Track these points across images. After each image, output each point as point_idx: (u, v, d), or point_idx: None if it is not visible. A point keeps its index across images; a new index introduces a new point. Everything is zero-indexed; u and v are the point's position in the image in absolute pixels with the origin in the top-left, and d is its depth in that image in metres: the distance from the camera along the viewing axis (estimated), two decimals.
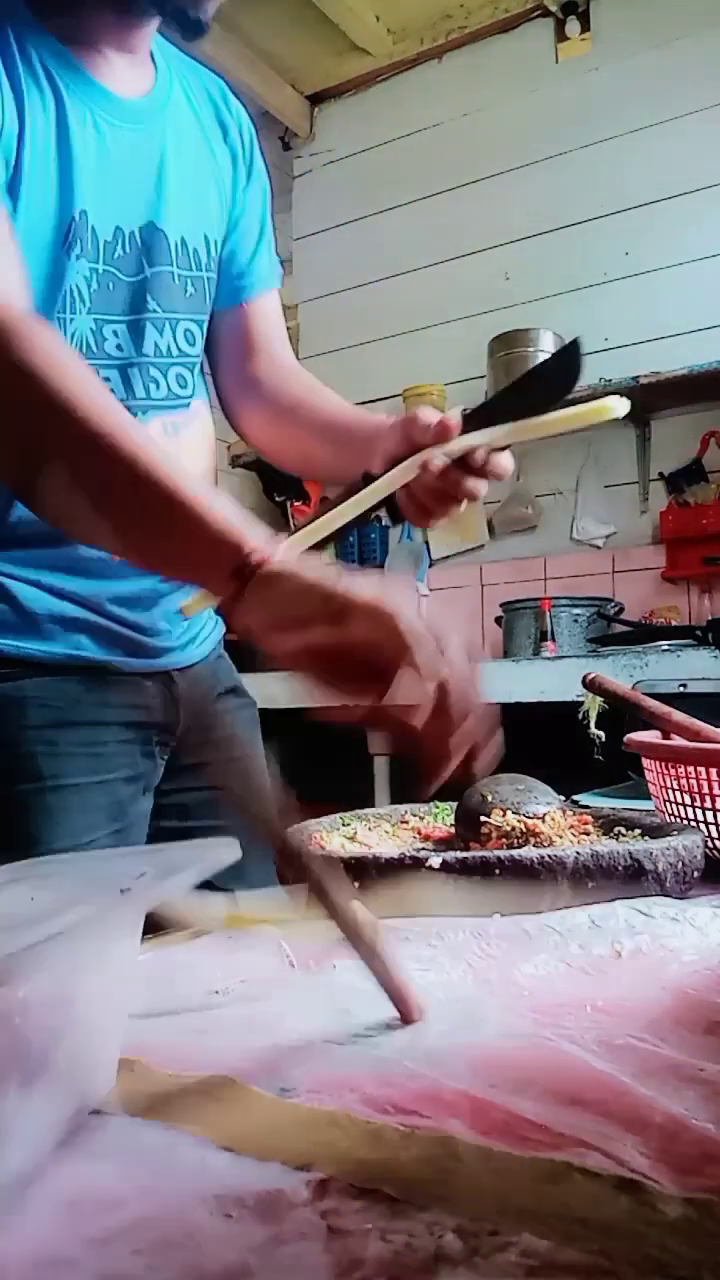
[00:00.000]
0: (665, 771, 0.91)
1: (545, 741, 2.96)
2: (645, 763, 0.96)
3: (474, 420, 0.80)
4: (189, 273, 0.96)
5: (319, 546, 0.78)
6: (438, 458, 0.79)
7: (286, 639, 0.60)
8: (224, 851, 0.46)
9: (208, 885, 0.46)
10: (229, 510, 0.65)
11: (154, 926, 0.68)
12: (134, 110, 0.89)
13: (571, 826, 0.86)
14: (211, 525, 0.64)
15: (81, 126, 0.84)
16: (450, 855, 0.71)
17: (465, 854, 0.72)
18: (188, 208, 0.94)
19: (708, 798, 0.87)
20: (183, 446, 0.98)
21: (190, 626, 1.07)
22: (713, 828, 0.87)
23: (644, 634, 2.65)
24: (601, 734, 1.06)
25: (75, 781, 0.94)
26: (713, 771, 0.86)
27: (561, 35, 3.29)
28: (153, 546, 0.69)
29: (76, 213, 0.82)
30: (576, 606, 2.96)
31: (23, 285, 0.75)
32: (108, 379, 0.88)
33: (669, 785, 0.91)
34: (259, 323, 1.07)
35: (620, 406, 0.76)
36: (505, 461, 0.82)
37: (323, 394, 1.08)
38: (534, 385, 0.80)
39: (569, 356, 0.77)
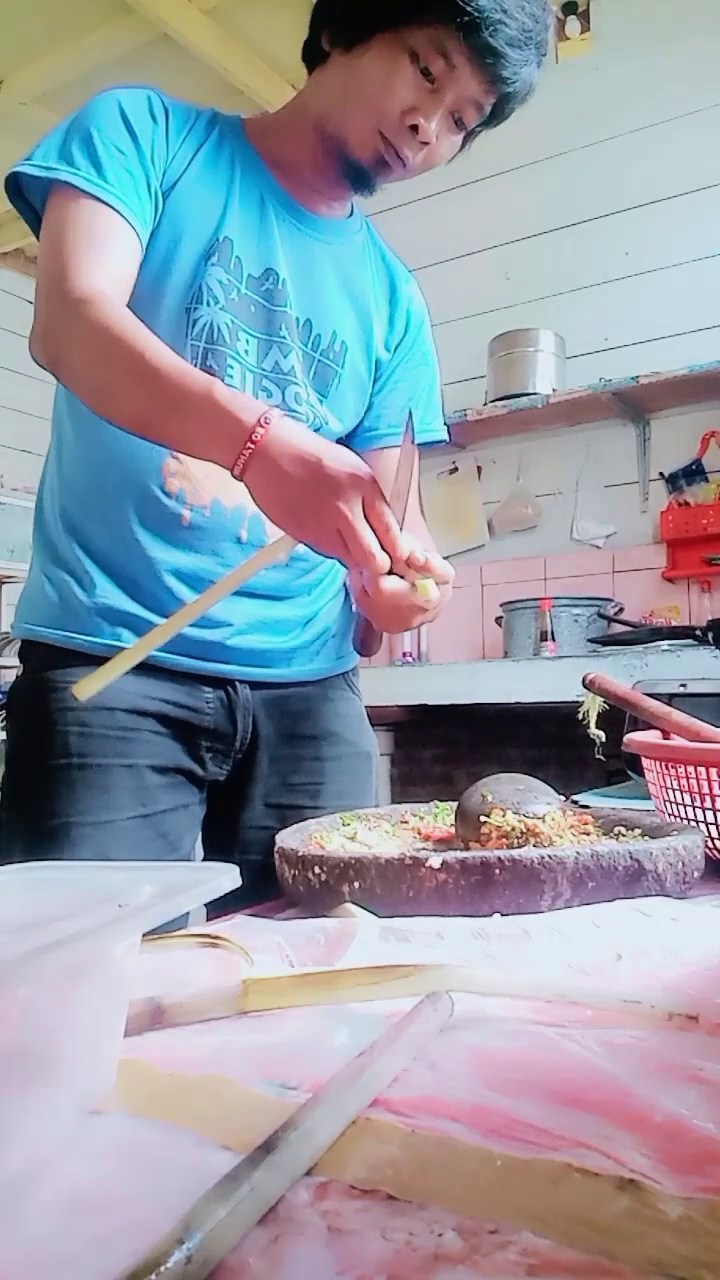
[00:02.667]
0: (665, 771, 0.91)
1: (545, 741, 2.97)
2: (645, 763, 0.96)
3: None
4: (304, 347, 1.07)
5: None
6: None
7: (283, 508, 0.77)
8: (225, 878, 0.46)
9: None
10: (232, 393, 0.80)
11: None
12: (307, 217, 1.08)
13: (571, 826, 0.86)
14: (216, 403, 0.78)
15: (250, 197, 1.04)
16: (450, 855, 0.71)
17: (465, 854, 0.72)
18: (313, 296, 1.08)
19: (708, 798, 0.87)
20: None
21: (269, 640, 1.10)
22: (713, 828, 0.87)
23: (644, 634, 2.65)
24: (601, 734, 1.06)
25: (100, 762, 1.00)
26: (713, 771, 0.86)
27: (561, 35, 3.29)
28: (171, 425, 0.83)
29: (222, 236, 1.01)
30: (576, 606, 2.97)
31: (114, 286, 0.91)
32: (230, 369, 1.02)
33: (669, 785, 0.91)
34: (389, 468, 1.16)
35: None
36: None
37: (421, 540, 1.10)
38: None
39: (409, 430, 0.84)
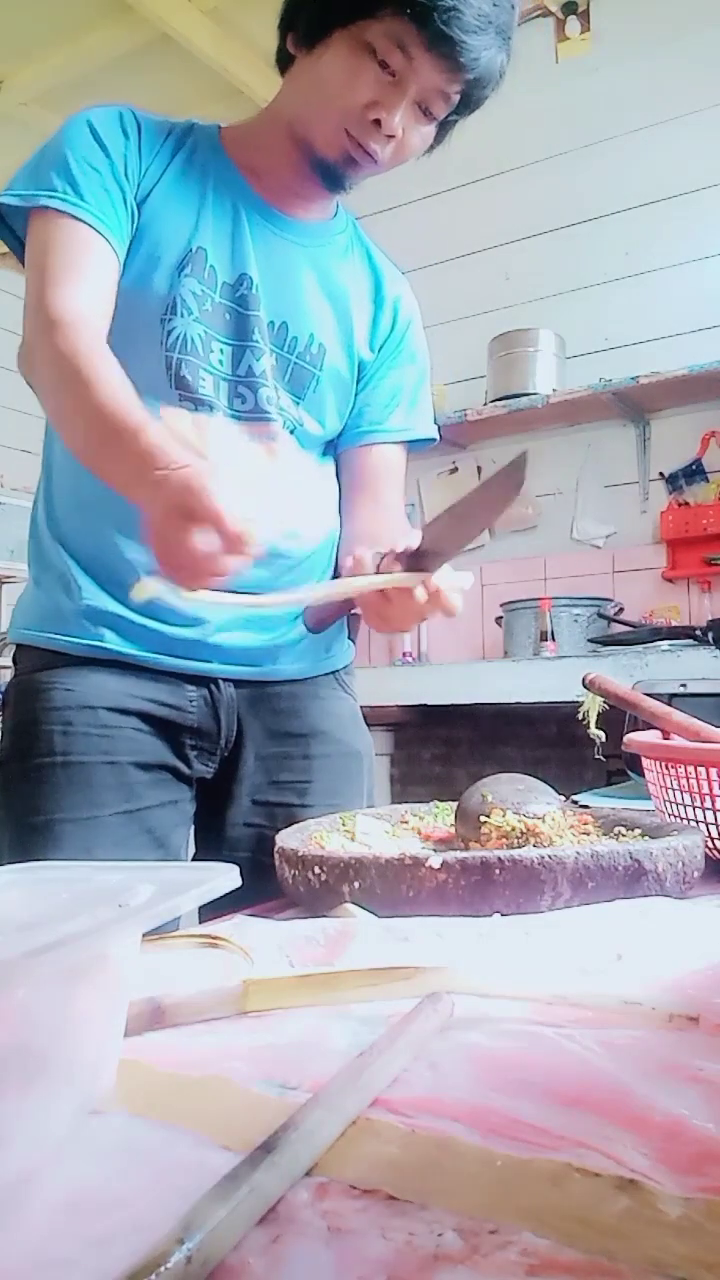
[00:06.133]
0: (665, 771, 0.91)
1: (545, 741, 2.97)
2: (645, 763, 0.96)
3: (430, 532, 0.86)
4: (279, 350, 1.08)
5: None
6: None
7: (158, 540, 0.75)
8: (224, 879, 0.46)
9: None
10: (157, 441, 0.80)
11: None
12: (283, 221, 1.08)
13: (571, 826, 0.86)
14: (137, 446, 0.79)
15: (223, 206, 1.05)
16: (450, 855, 0.71)
17: (465, 854, 0.72)
18: (287, 299, 1.08)
19: (708, 798, 0.87)
20: (276, 457, 1.05)
21: (254, 638, 1.09)
22: (713, 828, 0.87)
23: (644, 634, 2.65)
24: (602, 734, 1.06)
25: (83, 759, 1.01)
26: (713, 771, 0.86)
27: (561, 35, 3.29)
28: (102, 462, 0.85)
29: (195, 247, 1.02)
30: (576, 606, 2.96)
31: (92, 307, 0.93)
32: (203, 380, 1.03)
33: (669, 785, 0.91)
34: (374, 465, 1.18)
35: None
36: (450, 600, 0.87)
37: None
38: (483, 498, 0.84)
39: (516, 469, 0.79)
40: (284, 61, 1.04)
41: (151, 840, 1.04)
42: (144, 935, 0.45)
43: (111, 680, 1.04)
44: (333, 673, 1.20)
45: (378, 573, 0.87)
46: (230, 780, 1.12)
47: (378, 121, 0.96)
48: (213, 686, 1.08)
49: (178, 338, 1.01)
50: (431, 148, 1.05)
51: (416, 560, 0.85)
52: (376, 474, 1.18)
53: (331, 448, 1.18)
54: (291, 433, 1.10)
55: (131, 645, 1.04)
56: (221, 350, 1.04)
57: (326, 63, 0.96)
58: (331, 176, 1.02)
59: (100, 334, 0.92)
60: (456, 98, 0.98)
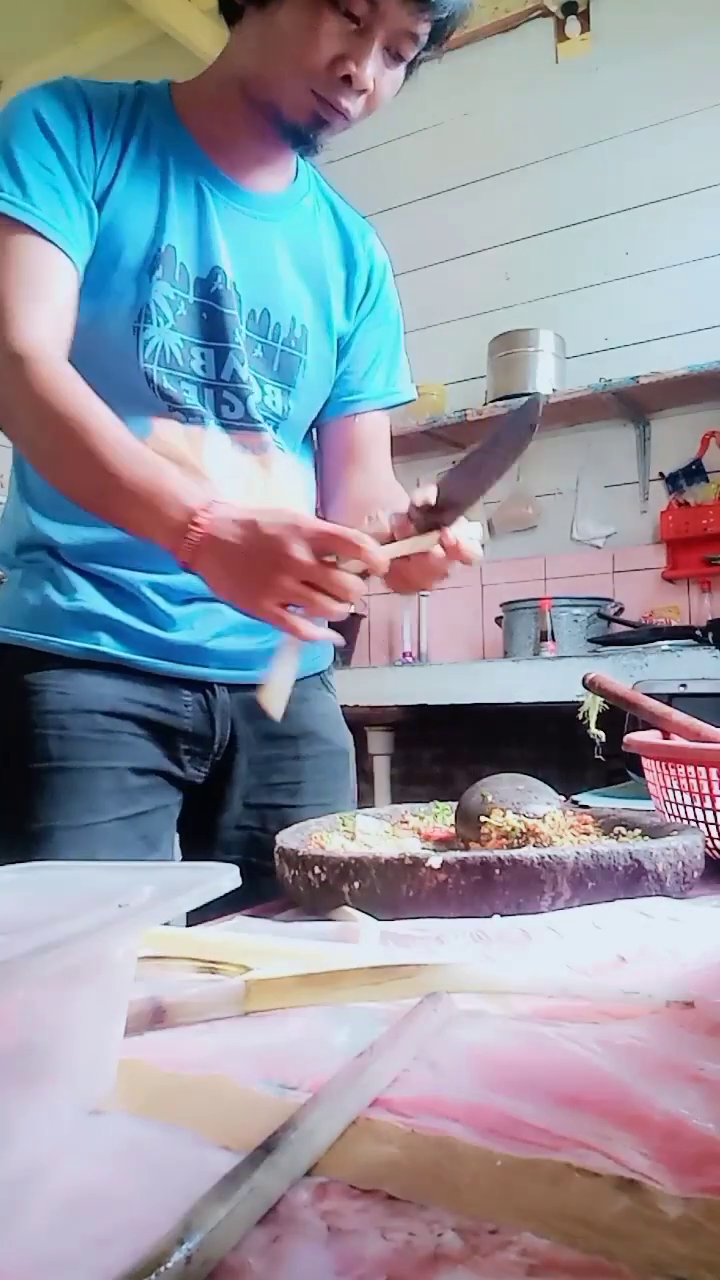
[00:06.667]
0: (665, 771, 0.91)
1: (545, 741, 2.97)
2: (645, 763, 0.96)
3: (446, 486, 0.84)
4: (263, 340, 1.05)
5: None
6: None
7: (235, 591, 0.80)
8: (225, 878, 0.46)
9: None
10: (172, 486, 0.82)
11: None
12: (251, 198, 1.04)
13: (571, 826, 0.86)
14: (156, 496, 0.82)
15: (186, 193, 1.00)
16: (450, 855, 0.71)
17: (465, 854, 0.72)
18: (266, 285, 1.05)
19: (708, 798, 0.87)
20: (270, 472, 1.08)
21: (247, 642, 1.08)
22: (713, 828, 0.87)
23: (644, 634, 2.65)
24: (601, 734, 1.06)
25: (82, 765, 0.98)
26: (713, 771, 0.86)
27: (561, 35, 3.29)
28: (119, 515, 0.87)
29: (163, 246, 0.97)
30: (576, 606, 2.96)
31: (55, 334, 0.90)
32: (188, 391, 1.01)
33: (669, 785, 0.91)
34: (360, 434, 1.17)
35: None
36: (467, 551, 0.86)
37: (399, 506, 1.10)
38: (496, 447, 0.82)
39: (527, 413, 0.79)
40: (230, 12, 0.96)
41: (146, 845, 1.03)
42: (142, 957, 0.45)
43: (107, 684, 1.01)
44: (318, 673, 1.19)
45: (392, 534, 0.84)
46: (223, 784, 1.11)
47: (347, 77, 0.90)
48: (208, 691, 1.07)
49: (155, 348, 0.98)
50: (398, 90, 0.98)
51: (432, 516, 0.83)
52: (363, 443, 1.16)
53: (313, 424, 1.16)
54: (282, 421, 1.08)
55: (129, 649, 1.01)
56: (203, 355, 1.01)
57: (284, 17, 0.89)
58: (301, 139, 0.97)
59: (69, 370, 0.88)
60: (425, 37, 0.92)
